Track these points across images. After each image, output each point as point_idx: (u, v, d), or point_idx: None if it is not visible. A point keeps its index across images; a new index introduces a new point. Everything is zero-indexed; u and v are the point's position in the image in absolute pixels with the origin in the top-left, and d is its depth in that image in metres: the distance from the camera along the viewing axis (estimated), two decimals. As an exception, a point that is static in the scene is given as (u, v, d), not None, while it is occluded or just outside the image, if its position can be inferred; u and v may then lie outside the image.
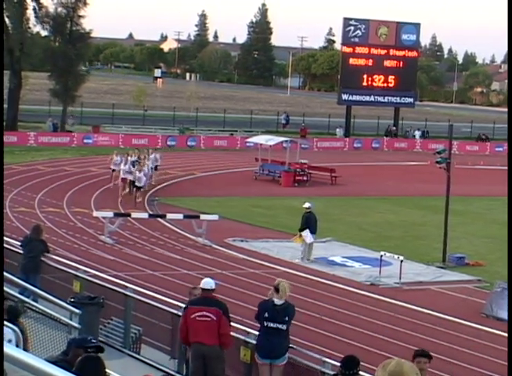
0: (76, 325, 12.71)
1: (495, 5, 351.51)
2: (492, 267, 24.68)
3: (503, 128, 69.12)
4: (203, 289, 12.65)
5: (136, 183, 32.88)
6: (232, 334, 13.03)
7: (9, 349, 3.17)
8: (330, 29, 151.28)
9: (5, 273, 11.61)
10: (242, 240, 27.05)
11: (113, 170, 36.38)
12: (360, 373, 9.85)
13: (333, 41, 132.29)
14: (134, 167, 34.05)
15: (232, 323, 13.16)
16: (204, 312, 12.25)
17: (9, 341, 8.02)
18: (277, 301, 12.82)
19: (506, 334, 16.06)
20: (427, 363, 9.48)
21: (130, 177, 33.64)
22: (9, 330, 8.23)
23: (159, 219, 29.21)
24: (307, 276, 22.84)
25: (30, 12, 54.56)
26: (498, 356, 15.71)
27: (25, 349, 8.30)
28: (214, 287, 12.79)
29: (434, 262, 25.30)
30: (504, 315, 18.59)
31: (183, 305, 13.19)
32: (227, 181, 41.71)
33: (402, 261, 22.41)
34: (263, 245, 26.79)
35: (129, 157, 35.09)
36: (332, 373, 11.33)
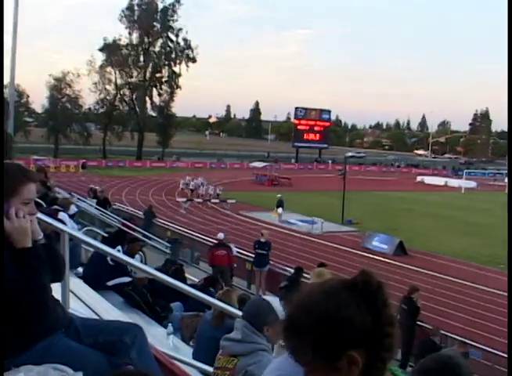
0: (169, 252, 23.83)
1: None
2: (365, 225, 39.87)
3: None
4: (218, 239, 23.12)
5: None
6: (241, 256, 25.53)
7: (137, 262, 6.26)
8: (289, 112, 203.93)
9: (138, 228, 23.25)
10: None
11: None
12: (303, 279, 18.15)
13: (290, 118, 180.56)
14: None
15: (241, 251, 25.94)
16: (220, 251, 22.06)
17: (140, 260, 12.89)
18: (262, 239, 24.00)
19: (368, 255, 31.77)
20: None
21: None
22: (138, 254, 13.11)
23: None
24: (278, 229, 39.67)
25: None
26: (369, 262, 29.61)
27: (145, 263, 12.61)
28: (223, 238, 22.85)
29: (338, 221, 41.87)
30: (367, 246, 35.07)
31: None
32: (240, 184, 67.50)
33: (322, 221, 39.49)
34: (256, 214, 44.21)
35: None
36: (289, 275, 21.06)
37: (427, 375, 2.31)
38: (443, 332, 16.17)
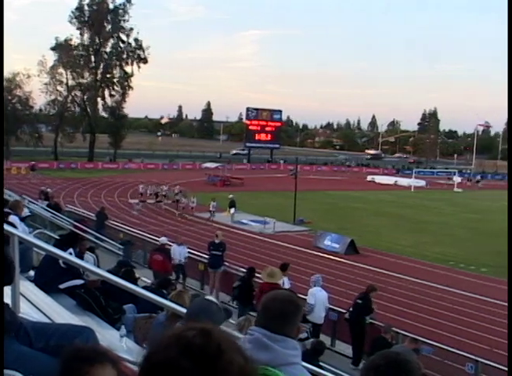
0: (121, 253, 23.93)
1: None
2: (316, 224, 39.67)
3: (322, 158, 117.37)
4: (161, 243, 22.79)
5: None
6: (193, 256, 25.44)
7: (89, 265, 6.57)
8: (240, 113, 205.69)
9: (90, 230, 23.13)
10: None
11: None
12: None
13: (241, 118, 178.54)
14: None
15: (194, 252, 25.88)
16: (157, 255, 21.87)
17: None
18: (216, 240, 23.94)
19: (320, 254, 31.43)
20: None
21: None
22: (91, 256, 12.69)
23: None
24: (231, 229, 39.63)
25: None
26: (320, 262, 30.27)
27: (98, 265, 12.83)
28: (165, 242, 22.73)
29: (290, 221, 41.58)
30: (319, 245, 35.17)
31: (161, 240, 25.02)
32: (192, 185, 64.96)
33: (274, 221, 39.59)
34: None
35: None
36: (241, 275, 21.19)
37: (376, 372, 2.31)
38: (395, 329, 16.33)
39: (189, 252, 24.78)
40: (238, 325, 8.81)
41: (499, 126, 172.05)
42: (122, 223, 35.44)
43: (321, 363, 11.44)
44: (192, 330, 1.64)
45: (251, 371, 1.67)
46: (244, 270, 20.61)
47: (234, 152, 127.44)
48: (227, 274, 23.65)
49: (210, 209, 43.08)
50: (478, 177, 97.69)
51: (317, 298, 16.91)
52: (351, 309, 17.14)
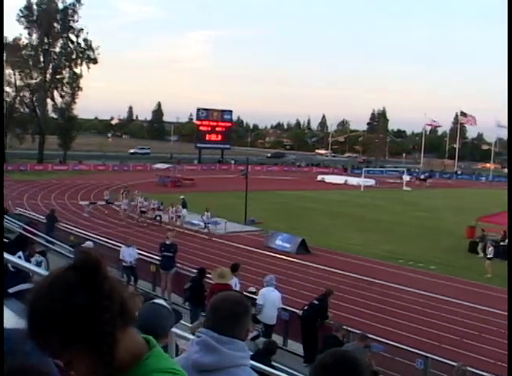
0: (72, 256, 24.00)
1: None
2: (267, 224, 39.70)
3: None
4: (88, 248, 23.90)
5: None
6: (144, 258, 25.37)
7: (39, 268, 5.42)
8: (191, 113, 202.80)
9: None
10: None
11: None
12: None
13: (192, 119, 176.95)
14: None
15: (145, 254, 25.78)
16: None
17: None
18: (168, 242, 23.99)
19: (271, 254, 31.94)
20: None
21: None
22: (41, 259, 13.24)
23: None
24: (182, 230, 39.61)
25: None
26: (271, 262, 30.45)
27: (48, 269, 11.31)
28: (92, 246, 21.09)
29: (241, 221, 41.39)
30: (270, 245, 35.39)
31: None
32: (143, 186, 63.90)
33: (226, 222, 39.66)
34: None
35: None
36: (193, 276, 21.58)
37: (324, 371, 2.34)
38: (346, 327, 16.51)
39: (139, 254, 24.63)
40: (192, 329, 8.83)
41: (446, 125, 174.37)
42: (73, 225, 35.15)
43: (273, 363, 11.52)
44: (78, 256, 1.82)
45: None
46: (195, 271, 20.56)
47: (132, 151, 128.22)
48: (179, 275, 23.58)
49: (204, 221, 40.24)
50: (422, 176, 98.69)
51: (267, 298, 16.96)
52: (306, 308, 17.27)
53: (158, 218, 42.25)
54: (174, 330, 4.78)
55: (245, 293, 17.48)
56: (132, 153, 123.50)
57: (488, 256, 31.87)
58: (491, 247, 32.38)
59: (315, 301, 17.10)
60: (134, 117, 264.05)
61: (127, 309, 1.80)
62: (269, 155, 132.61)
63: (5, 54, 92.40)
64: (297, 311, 18.52)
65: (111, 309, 1.73)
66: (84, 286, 1.72)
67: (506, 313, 24.32)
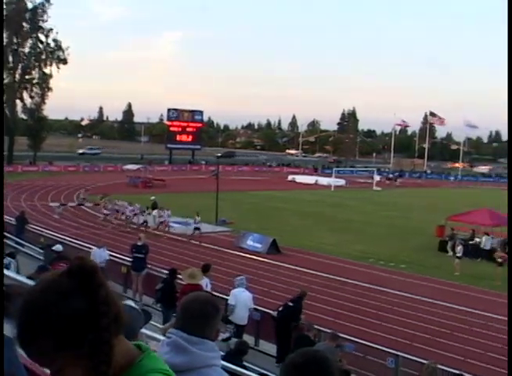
0: (42, 258, 22.73)
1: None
2: (238, 225, 39.64)
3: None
4: (56, 251, 20.48)
5: None
6: (116, 259, 25.25)
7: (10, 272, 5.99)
8: (161, 114, 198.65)
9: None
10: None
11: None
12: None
13: (162, 119, 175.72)
14: None
15: (116, 255, 25.66)
16: (59, 264, 20.24)
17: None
18: (139, 243, 23.95)
19: (242, 254, 32.25)
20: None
21: None
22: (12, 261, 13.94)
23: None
24: (153, 231, 38.98)
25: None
26: (243, 262, 30.50)
27: (18, 271, 13.46)
28: (61, 250, 20.62)
29: (212, 222, 40.96)
30: (241, 245, 35.38)
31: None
32: (114, 187, 64.62)
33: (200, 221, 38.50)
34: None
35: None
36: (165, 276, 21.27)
37: (295, 370, 2.35)
38: (317, 327, 16.58)
39: (110, 255, 24.50)
40: (163, 330, 8.82)
41: (415, 125, 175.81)
42: (43, 227, 34.91)
43: (245, 363, 11.56)
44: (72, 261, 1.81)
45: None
46: (166, 272, 20.58)
47: (80, 151, 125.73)
48: (150, 277, 23.54)
49: (196, 225, 38.52)
50: (391, 175, 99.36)
51: (238, 298, 16.99)
52: (280, 309, 17.31)
53: (145, 223, 41.00)
54: (144, 331, 4.76)
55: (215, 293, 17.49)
56: (81, 154, 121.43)
57: (457, 255, 32.16)
58: (460, 246, 32.67)
59: (290, 303, 17.15)
60: (104, 118, 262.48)
61: (121, 316, 1.81)
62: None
63: None
64: (268, 311, 18.57)
65: (108, 316, 1.74)
66: (81, 291, 1.72)
67: (478, 311, 24.76)
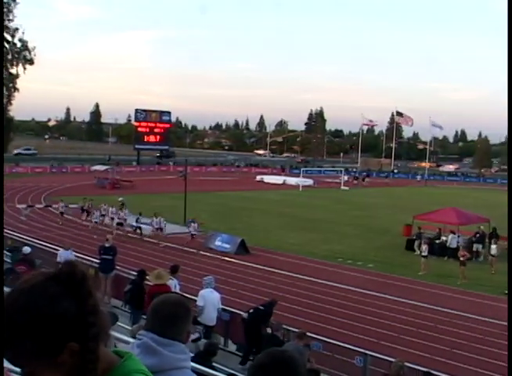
0: (9, 261, 23.04)
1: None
2: (207, 225, 39.52)
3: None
4: (23, 254, 21.22)
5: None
6: (83, 261, 25.06)
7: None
8: (129, 115, 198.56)
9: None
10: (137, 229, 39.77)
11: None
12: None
13: (130, 120, 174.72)
14: None
15: (83, 257, 25.53)
16: (20, 266, 19.43)
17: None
18: (107, 244, 23.95)
19: (211, 255, 32.15)
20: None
21: None
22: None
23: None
24: (121, 232, 38.67)
25: None
26: (212, 262, 30.55)
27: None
28: (28, 252, 21.26)
29: (180, 223, 40.78)
30: (210, 246, 35.38)
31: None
32: (81, 188, 64.23)
33: (165, 223, 38.60)
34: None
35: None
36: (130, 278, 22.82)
37: (262, 371, 2.34)
38: (285, 326, 16.67)
39: (78, 257, 24.37)
40: (132, 332, 8.83)
41: (383, 125, 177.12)
42: (10, 229, 34.59)
43: (214, 364, 11.60)
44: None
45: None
46: (135, 273, 20.53)
47: (16, 152, 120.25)
48: (118, 278, 23.49)
49: (192, 232, 36.46)
50: (356, 174, 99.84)
51: (207, 299, 17.02)
52: (250, 311, 17.36)
53: (138, 230, 39.32)
54: (112, 333, 4.79)
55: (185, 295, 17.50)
56: (17, 154, 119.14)
57: (423, 254, 32.44)
58: (425, 245, 32.97)
59: (261, 307, 17.20)
60: (71, 119, 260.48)
61: (107, 325, 1.83)
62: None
63: None
64: (237, 311, 18.63)
65: (96, 325, 1.76)
66: (69, 297, 1.73)
67: (443, 309, 25.03)
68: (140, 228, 38.85)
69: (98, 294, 1.83)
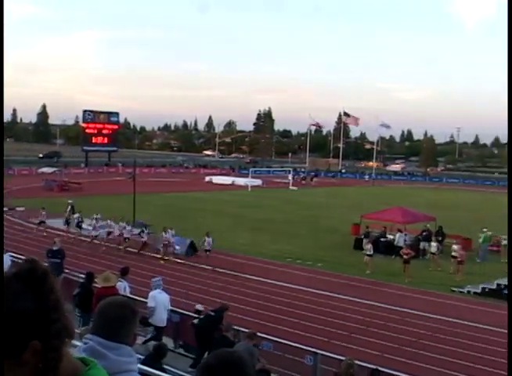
0: None
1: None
2: (156, 227, 39.22)
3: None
4: None
5: None
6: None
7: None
8: (77, 116, 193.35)
9: None
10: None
11: None
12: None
13: (78, 121, 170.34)
14: None
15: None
16: None
17: None
18: (55, 247, 24.05)
19: (167, 259, 31.70)
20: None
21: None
22: None
23: None
24: (70, 235, 38.86)
25: None
26: (162, 264, 30.22)
27: None
28: None
29: (130, 222, 39.61)
30: (159, 247, 34.82)
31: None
32: (29, 190, 64.93)
33: (115, 225, 37.54)
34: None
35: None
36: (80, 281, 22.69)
37: (209, 372, 2.32)
38: (235, 327, 16.73)
39: (12, 261, 23.91)
40: (80, 335, 8.77)
41: (330, 125, 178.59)
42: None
43: (164, 366, 11.60)
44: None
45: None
46: (83, 276, 20.43)
47: None
48: (67, 282, 23.24)
49: (206, 247, 33.52)
50: (303, 175, 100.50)
51: (158, 300, 17.02)
52: (201, 317, 17.35)
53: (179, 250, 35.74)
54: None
55: (132, 297, 17.46)
56: None
57: (368, 253, 32.80)
58: (369, 244, 33.38)
59: (212, 313, 17.21)
60: (18, 120, 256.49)
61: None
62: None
63: None
64: (187, 313, 18.64)
65: (59, 322, 1.73)
66: (30, 294, 1.70)
67: (392, 307, 25.38)
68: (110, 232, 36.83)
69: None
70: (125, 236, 36.33)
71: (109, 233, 37.16)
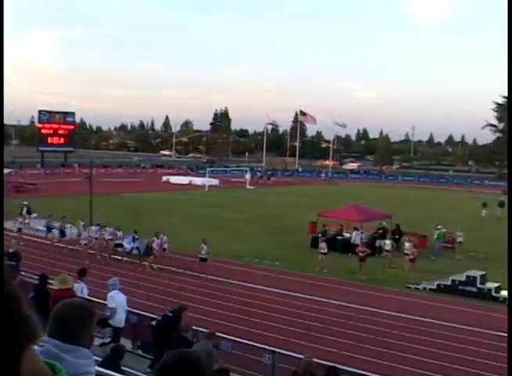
0: None
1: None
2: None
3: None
4: None
5: None
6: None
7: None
8: (32, 116, 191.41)
9: None
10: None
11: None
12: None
13: (34, 122, 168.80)
14: None
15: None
16: None
17: None
18: (11, 250, 23.79)
19: (119, 257, 32.08)
20: None
21: None
22: None
23: None
24: (25, 237, 37.89)
25: None
26: (119, 265, 30.11)
27: None
28: None
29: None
30: (118, 248, 34.64)
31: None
32: None
33: (71, 226, 38.09)
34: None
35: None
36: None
37: (166, 372, 2.32)
38: (194, 327, 16.73)
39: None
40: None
41: (287, 124, 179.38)
42: None
43: (122, 368, 11.58)
44: None
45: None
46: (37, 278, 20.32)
47: None
48: (23, 284, 22.99)
49: (203, 255, 31.56)
50: (260, 174, 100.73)
51: (117, 301, 16.97)
52: (159, 319, 17.32)
53: (136, 251, 34.85)
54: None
55: (89, 299, 17.39)
56: None
57: (322, 251, 32.99)
58: (323, 242, 33.57)
59: (169, 313, 17.19)
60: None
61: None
62: None
63: None
64: (145, 314, 18.61)
65: (22, 326, 1.70)
66: None
67: (350, 305, 25.62)
68: (138, 248, 34.93)
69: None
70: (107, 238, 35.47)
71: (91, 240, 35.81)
